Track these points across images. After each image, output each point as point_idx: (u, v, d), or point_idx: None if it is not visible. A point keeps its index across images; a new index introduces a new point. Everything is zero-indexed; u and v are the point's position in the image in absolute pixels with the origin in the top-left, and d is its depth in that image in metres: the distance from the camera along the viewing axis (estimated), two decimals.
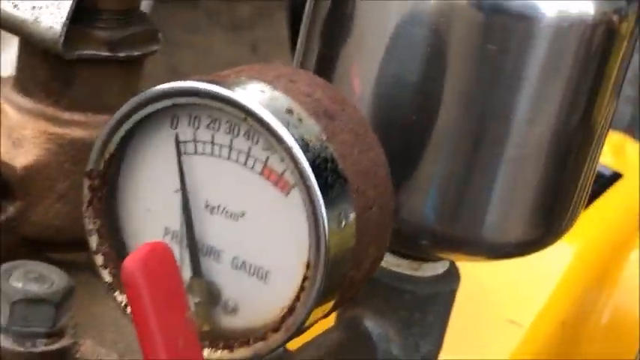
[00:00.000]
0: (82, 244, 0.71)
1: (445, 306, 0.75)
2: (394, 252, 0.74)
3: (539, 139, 0.66)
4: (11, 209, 0.68)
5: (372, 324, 0.74)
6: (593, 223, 0.99)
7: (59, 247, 0.71)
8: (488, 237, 0.68)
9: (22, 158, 0.68)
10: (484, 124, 0.65)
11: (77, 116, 0.68)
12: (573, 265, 0.94)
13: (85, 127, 0.68)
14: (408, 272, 0.74)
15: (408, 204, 0.67)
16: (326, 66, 0.68)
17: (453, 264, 0.77)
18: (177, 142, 0.55)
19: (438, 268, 0.75)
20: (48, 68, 0.68)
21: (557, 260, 0.93)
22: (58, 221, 0.69)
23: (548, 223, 0.70)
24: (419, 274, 0.74)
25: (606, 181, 1.06)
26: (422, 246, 0.69)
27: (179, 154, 0.55)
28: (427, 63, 0.64)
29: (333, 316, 0.78)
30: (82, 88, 0.68)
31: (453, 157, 0.66)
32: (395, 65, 0.65)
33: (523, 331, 0.88)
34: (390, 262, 0.74)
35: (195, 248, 0.55)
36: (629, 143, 1.16)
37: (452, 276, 0.76)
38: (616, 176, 1.08)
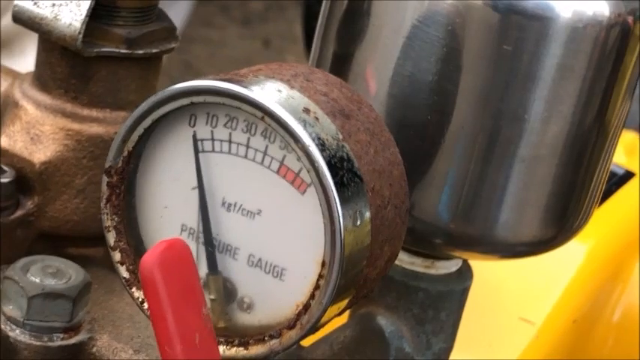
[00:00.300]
0: (99, 240, 0.72)
1: (458, 304, 0.76)
2: (408, 250, 0.74)
3: (553, 139, 0.67)
4: (29, 204, 0.69)
5: (384, 321, 0.75)
6: (605, 222, 0.99)
7: (76, 242, 0.72)
8: (501, 236, 0.69)
9: (40, 154, 0.68)
10: (499, 124, 0.66)
11: (95, 113, 0.69)
12: (585, 264, 0.94)
13: (104, 124, 0.69)
14: (422, 270, 0.74)
15: (423, 203, 0.68)
16: (341, 65, 0.68)
17: (465, 262, 0.77)
18: (195, 140, 0.55)
19: (451, 267, 0.75)
20: (66, 65, 0.69)
21: (569, 259, 0.94)
22: (76, 216, 0.70)
23: (561, 222, 0.70)
24: (432, 272, 0.74)
25: (619, 180, 1.06)
26: (435, 244, 0.70)
27: (197, 151, 0.55)
28: (442, 63, 0.65)
29: (346, 312, 0.78)
30: (100, 84, 0.69)
31: (468, 157, 0.66)
32: (410, 65, 0.65)
33: (535, 330, 0.88)
34: (404, 259, 0.74)
35: (211, 245, 0.56)
36: None
37: (465, 274, 0.76)
38: (629, 175, 1.08)
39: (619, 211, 1.02)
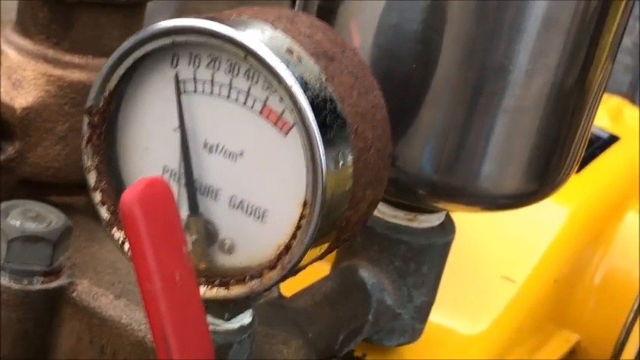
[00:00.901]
0: (81, 188, 0.71)
1: (440, 258, 0.76)
2: (390, 203, 0.74)
3: (537, 91, 0.67)
4: (10, 150, 0.68)
5: (366, 273, 0.75)
6: (589, 184, 0.99)
7: (58, 190, 0.71)
8: (484, 188, 0.69)
9: (21, 99, 0.68)
10: (483, 75, 0.65)
11: (78, 59, 0.69)
12: (568, 225, 0.94)
13: (86, 70, 0.69)
14: (404, 223, 0.74)
15: (406, 154, 0.68)
16: (326, 16, 0.68)
17: (448, 216, 0.77)
18: (177, 81, 0.55)
19: (433, 220, 0.75)
20: (48, 10, 0.68)
21: (552, 219, 0.94)
22: (57, 163, 0.69)
23: (543, 176, 0.71)
24: (414, 225, 0.75)
25: (603, 143, 1.06)
26: (419, 196, 0.70)
27: (179, 92, 0.55)
28: (428, 13, 0.65)
29: (328, 266, 0.78)
30: (82, 31, 0.68)
31: (452, 108, 0.66)
32: (395, 15, 0.65)
33: (516, 288, 0.88)
34: (386, 212, 0.74)
35: (192, 187, 0.55)
36: (627, 107, 1.16)
37: (447, 228, 0.76)
38: (613, 139, 1.08)
39: (603, 174, 1.02)
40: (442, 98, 0.66)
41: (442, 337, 0.83)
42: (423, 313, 0.77)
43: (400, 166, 0.68)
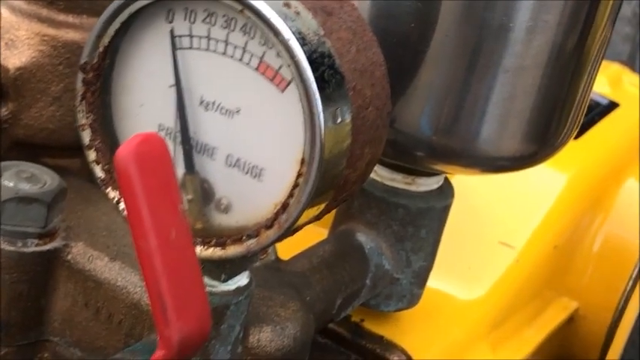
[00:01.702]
0: (76, 150, 0.71)
1: (438, 222, 0.75)
2: (388, 165, 0.73)
3: (538, 50, 0.66)
4: (3, 111, 0.67)
5: (364, 237, 0.74)
6: (589, 150, 0.98)
7: (52, 152, 0.70)
8: (483, 149, 0.68)
9: (15, 59, 0.67)
10: (483, 33, 0.64)
11: (72, 18, 0.68)
12: (567, 191, 0.94)
13: (80, 30, 0.68)
14: (402, 186, 0.74)
15: (405, 115, 0.67)
16: None
17: (446, 180, 0.76)
18: (173, 37, 0.54)
19: (431, 184, 0.75)
20: None
21: (551, 185, 0.93)
22: (52, 125, 0.68)
23: (543, 138, 0.70)
24: (413, 188, 0.74)
25: (603, 109, 1.06)
26: (417, 157, 0.69)
27: (174, 48, 0.54)
28: None
29: (325, 230, 0.78)
30: None
31: (451, 68, 0.65)
32: None
33: (515, 254, 0.88)
34: (384, 176, 0.74)
35: (188, 145, 0.55)
36: (626, 74, 1.15)
37: (445, 192, 0.75)
38: (613, 105, 1.07)
39: (602, 141, 1.02)
40: (441, 58, 0.65)
41: (440, 302, 0.82)
42: (421, 278, 0.76)
43: (398, 127, 0.67)
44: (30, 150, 0.69)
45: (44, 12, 0.67)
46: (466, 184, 0.81)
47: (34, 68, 0.67)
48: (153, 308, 0.50)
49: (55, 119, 0.68)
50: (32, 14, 0.67)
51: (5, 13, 0.68)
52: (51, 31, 0.67)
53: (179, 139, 0.55)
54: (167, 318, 0.50)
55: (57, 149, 0.70)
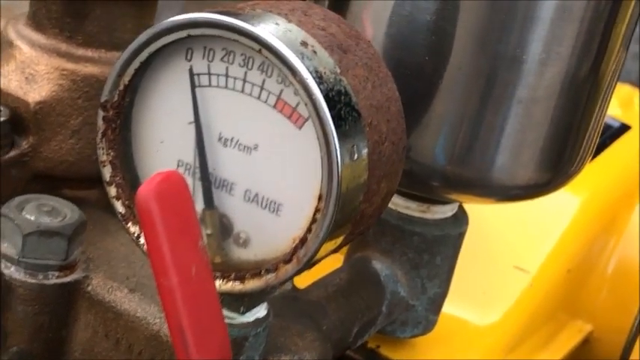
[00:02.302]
0: (94, 182, 0.72)
1: (453, 249, 0.76)
2: (404, 194, 0.74)
3: (551, 81, 0.66)
4: (24, 144, 0.68)
5: (380, 265, 0.75)
6: (601, 173, 0.99)
7: (71, 184, 0.71)
8: (498, 178, 0.69)
9: (35, 94, 0.68)
10: (496, 65, 0.65)
11: (91, 52, 0.69)
12: (580, 214, 0.94)
13: (99, 64, 0.69)
14: (417, 214, 0.74)
15: (419, 145, 0.67)
16: (339, 6, 0.68)
17: (461, 207, 0.77)
18: (192, 75, 0.55)
19: (446, 211, 0.75)
20: (61, 4, 0.68)
21: (564, 209, 0.94)
22: (71, 157, 0.69)
23: (556, 166, 0.70)
24: (428, 216, 0.75)
25: (615, 132, 1.06)
26: (432, 187, 0.70)
27: (193, 86, 0.55)
28: (441, 3, 0.64)
29: (341, 257, 0.78)
30: (95, 23, 0.68)
31: (465, 98, 0.66)
32: (409, 5, 0.65)
33: (529, 278, 0.88)
34: (400, 204, 0.74)
35: (208, 181, 0.55)
36: (638, 96, 1.16)
37: (460, 219, 0.76)
38: (624, 128, 1.08)
39: (614, 163, 1.02)
40: (455, 89, 0.66)
41: (455, 328, 0.83)
42: (436, 305, 0.77)
43: (413, 157, 0.68)
44: (50, 182, 0.70)
45: (63, 46, 0.68)
46: (479, 209, 0.82)
47: (54, 102, 0.68)
48: (174, 343, 0.51)
49: (74, 152, 0.69)
50: (51, 49, 0.68)
51: (25, 47, 0.69)
52: (70, 66, 0.68)
53: (198, 174, 0.56)
54: (188, 352, 0.51)
55: (76, 181, 0.71)
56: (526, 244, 0.90)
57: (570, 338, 0.95)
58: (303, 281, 0.72)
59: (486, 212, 0.89)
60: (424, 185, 0.70)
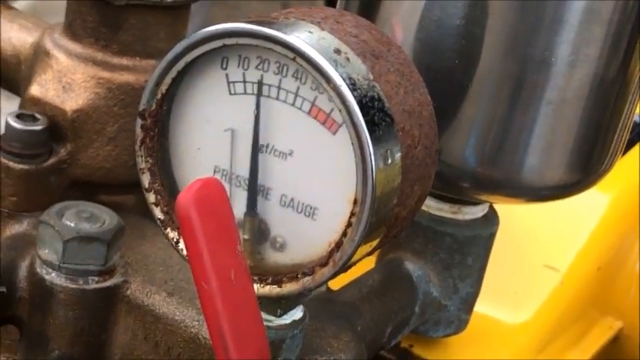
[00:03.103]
0: (130, 187, 0.73)
1: (484, 249, 0.77)
2: (435, 196, 0.75)
3: (579, 83, 0.67)
4: (62, 151, 0.70)
5: (412, 266, 0.76)
6: (630, 171, 0.99)
7: (108, 189, 0.73)
8: (527, 180, 0.69)
9: (72, 102, 0.69)
10: (526, 68, 0.66)
11: (126, 61, 0.70)
12: (609, 212, 0.95)
13: (134, 72, 0.70)
14: (449, 216, 0.75)
15: (450, 147, 0.68)
16: (368, 11, 0.69)
17: (492, 208, 0.78)
18: (228, 83, 0.56)
19: (477, 212, 0.76)
20: (97, 14, 0.69)
21: (593, 207, 0.94)
22: (108, 164, 0.71)
23: (586, 166, 0.71)
24: (459, 217, 0.75)
25: None
26: (463, 188, 0.70)
27: (229, 94, 0.56)
28: (470, 7, 0.65)
29: (373, 259, 0.79)
30: (130, 33, 0.70)
31: (495, 101, 0.67)
32: (438, 9, 0.66)
33: (560, 276, 0.89)
34: (431, 205, 0.75)
35: (252, 187, 0.56)
36: None
37: (491, 219, 0.77)
38: None
39: None
40: (485, 92, 0.67)
41: (487, 327, 0.83)
42: (468, 304, 0.78)
43: (444, 159, 0.69)
44: (87, 188, 0.72)
45: (99, 55, 0.70)
46: (509, 208, 0.83)
47: (91, 110, 0.69)
48: (214, 346, 0.52)
49: (110, 158, 0.71)
50: (87, 58, 0.70)
51: (62, 57, 0.70)
52: (106, 74, 0.70)
53: (235, 180, 0.57)
54: (228, 355, 0.52)
55: (113, 187, 0.72)
56: (556, 243, 0.91)
57: (601, 335, 0.96)
58: (336, 283, 0.73)
59: (516, 212, 0.89)
60: (455, 187, 0.71)
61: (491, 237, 0.77)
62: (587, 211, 0.94)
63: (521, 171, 0.69)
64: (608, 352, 0.97)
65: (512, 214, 0.87)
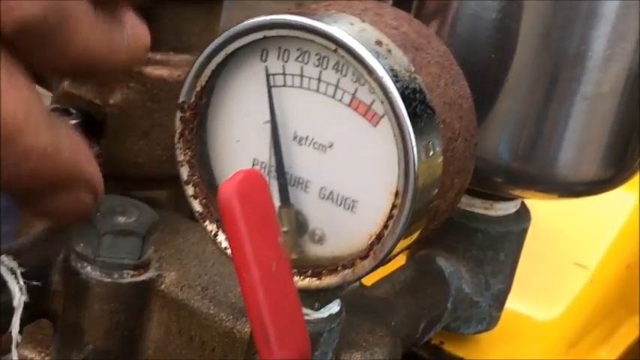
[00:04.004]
0: (163, 182, 0.73)
1: (516, 245, 0.76)
2: (467, 191, 0.75)
3: (615, 77, 0.67)
4: (97, 147, 0.70)
5: (444, 262, 0.75)
6: None
7: (141, 184, 0.73)
8: (561, 175, 0.69)
9: (106, 97, 0.69)
10: (561, 62, 0.66)
11: (160, 55, 0.70)
12: (638, 209, 0.95)
13: (167, 66, 0.70)
14: (481, 211, 0.75)
15: (484, 141, 0.68)
16: (403, 5, 0.68)
17: (523, 204, 0.78)
18: (267, 75, 0.56)
19: (509, 208, 0.76)
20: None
21: (622, 205, 0.94)
22: (141, 158, 0.71)
23: (620, 162, 0.71)
24: (491, 213, 0.75)
25: None
26: (496, 183, 0.70)
27: (269, 86, 0.56)
28: (505, 1, 0.65)
29: (403, 256, 0.79)
30: (164, 27, 0.70)
31: (529, 95, 0.67)
32: (473, 3, 0.66)
33: (589, 274, 0.89)
34: (463, 201, 0.75)
35: (283, 179, 0.56)
36: None
37: (523, 216, 0.77)
38: None
39: None
40: (520, 86, 0.67)
41: (518, 323, 0.83)
42: (499, 301, 0.77)
43: (478, 153, 0.68)
44: (121, 183, 0.72)
45: None
46: (539, 206, 0.82)
47: (125, 105, 0.69)
48: (256, 338, 0.52)
49: (144, 153, 0.71)
50: None
51: None
52: (140, 69, 0.69)
53: (274, 173, 0.57)
54: (270, 347, 0.52)
55: (146, 181, 0.72)
56: (585, 241, 0.91)
57: (629, 334, 0.95)
58: (368, 279, 0.72)
59: (546, 209, 0.89)
60: (489, 181, 0.70)
61: (523, 233, 0.77)
62: (616, 210, 0.94)
63: (555, 166, 0.69)
64: (634, 352, 0.97)
65: (542, 211, 0.87)
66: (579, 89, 0.67)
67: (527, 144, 0.68)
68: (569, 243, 0.90)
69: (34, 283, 0.63)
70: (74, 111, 0.69)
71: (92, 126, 0.70)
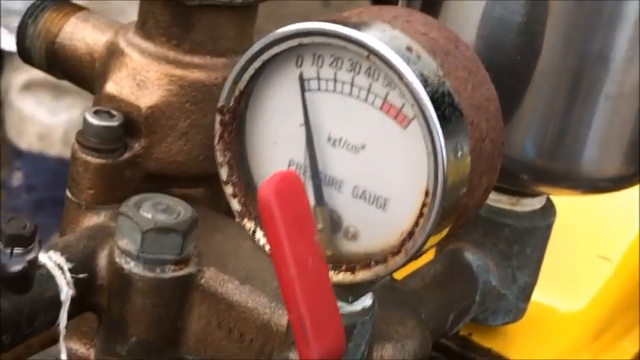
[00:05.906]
0: (200, 181, 0.76)
1: (542, 239, 0.79)
2: (494, 188, 0.77)
3: (637, 78, 0.69)
4: (136, 146, 0.73)
5: (472, 256, 0.78)
6: None
7: (180, 182, 0.76)
8: (585, 172, 0.72)
9: (146, 99, 0.72)
10: (584, 63, 0.68)
11: (197, 59, 0.73)
12: None
13: (204, 70, 0.73)
14: (507, 207, 0.78)
15: (510, 140, 0.70)
16: (430, 8, 0.71)
17: (549, 200, 0.80)
18: (302, 80, 0.59)
19: (535, 204, 0.78)
20: (169, 14, 0.72)
21: None
22: (180, 158, 0.74)
23: None
24: (518, 208, 0.78)
25: None
26: (522, 180, 0.73)
27: (303, 90, 0.59)
28: (530, 4, 0.67)
29: (432, 250, 0.82)
30: (201, 32, 0.72)
31: (554, 95, 0.69)
32: (499, 7, 0.68)
33: (613, 267, 0.91)
34: (491, 197, 0.77)
35: (318, 179, 0.59)
36: None
37: (548, 211, 0.79)
38: None
39: None
40: (545, 86, 0.69)
41: (544, 315, 0.85)
42: (526, 293, 0.80)
43: (504, 152, 0.71)
44: (160, 181, 0.75)
45: (171, 54, 0.73)
46: (563, 199, 0.85)
47: (164, 106, 0.72)
48: (294, 331, 0.55)
49: (182, 153, 0.73)
50: (160, 56, 0.73)
51: (135, 55, 0.73)
52: (178, 72, 0.72)
53: (309, 173, 0.59)
54: (307, 339, 0.54)
55: (184, 180, 0.75)
56: (609, 234, 0.93)
57: None
58: (398, 273, 0.75)
59: (570, 203, 0.91)
60: (515, 179, 0.73)
61: (549, 228, 0.79)
62: (638, 203, 0.95)
63: (579, 163, 0.71)
64: None
65: (566, 205, 0.89)
66: (602, 89, 0.69)
67: (552, 142, 0.71)
68: (593, 236, 0.92)
69: (81, 276, 0.66)
70: (115, 113, 0.72)
71: (133, 127, 0.73)
